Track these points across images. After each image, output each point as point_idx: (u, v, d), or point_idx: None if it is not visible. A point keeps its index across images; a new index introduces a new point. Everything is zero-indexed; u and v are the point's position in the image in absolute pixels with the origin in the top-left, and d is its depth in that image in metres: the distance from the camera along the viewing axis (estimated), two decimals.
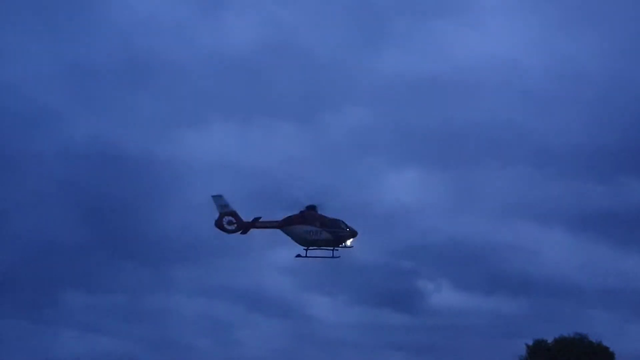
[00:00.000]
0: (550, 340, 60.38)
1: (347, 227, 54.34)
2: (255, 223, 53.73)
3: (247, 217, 52.76)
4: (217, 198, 54.04)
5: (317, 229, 53.92)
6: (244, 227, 53.78)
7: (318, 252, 54.22)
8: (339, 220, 54.34)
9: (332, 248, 54.15)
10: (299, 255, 54.55)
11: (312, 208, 54.37)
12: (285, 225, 54.26)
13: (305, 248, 54.38)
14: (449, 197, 75.63)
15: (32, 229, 69.84)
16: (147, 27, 79.82)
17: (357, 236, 54.24)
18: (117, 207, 69.91)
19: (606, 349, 59.46)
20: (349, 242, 54.56)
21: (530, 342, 60.76)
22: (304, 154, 75.46)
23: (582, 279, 72.06)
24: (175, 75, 77.66)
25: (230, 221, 53.68)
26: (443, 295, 72.29)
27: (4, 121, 72.67)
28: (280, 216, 53.26)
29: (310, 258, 53.84)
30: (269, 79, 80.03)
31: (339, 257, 54.12)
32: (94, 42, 77.08)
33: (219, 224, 53.76)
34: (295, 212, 54.05)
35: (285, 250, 72.50)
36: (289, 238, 54.27)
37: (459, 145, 76.36)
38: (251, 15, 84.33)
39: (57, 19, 76.97)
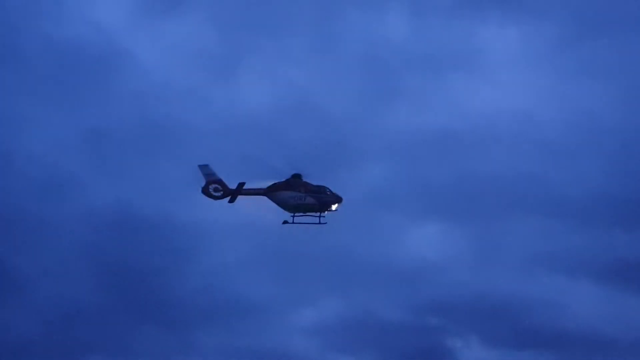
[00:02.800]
0: None
1: (332, 192, 56.73)
2: (241, 189, 56.27)
3: None
4: (204, 167, 56.93)
5: (301, 194, 56.16)
6: (230, 194, 56.43)
7: (305, 219, 56.52)
8: (323, 186, 56.82)
9: (318, 214, 56.40)
10: (285, 222, 56.70)
11: (297, 176, 56.66)
12: (270, 191, 56.67)
13: (292, 215, 56.57)
14: (472, 250, 75.30)
15: (54, 295, 70.11)
16: (163, 92, 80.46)
17: (342, 202, 56.82)
18: (138, 271, 69.86)
19: None
20: (334, 207, 56.91)
21: None
22: None
23: (611, 330, 71.12)
24: (192, 139, 77.89)
25: (217, 188, 56.57)
26: (472, 352, 71.39)
27: (24, 189, 72.86)
28: None
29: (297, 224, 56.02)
30: (283, 139, 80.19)
31: (325, 223, 56.51)
32: (111, 109, 77.75)
33: (205, 191, 56.52)
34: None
35: (310, 311, 72.50)
36: (275, 205, 56.58)
37: (479, 198, 76.05)
38: (264, 76, 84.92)
39: (75, 87, 77.91)
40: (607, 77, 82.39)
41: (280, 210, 57.01)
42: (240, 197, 56.80)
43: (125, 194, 73.36)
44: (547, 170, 78.55)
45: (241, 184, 56.47)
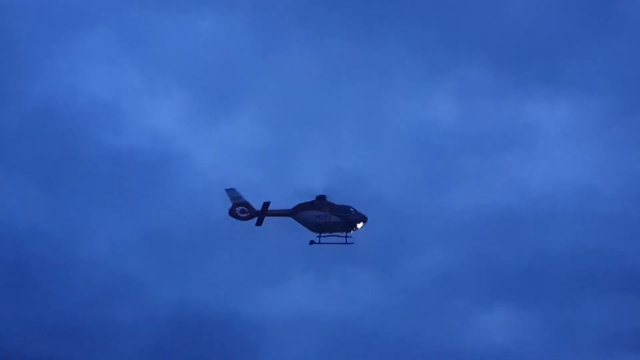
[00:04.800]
0: None
1: (356, 211, 57.99)
2: (267, 210, 57.77)
3: None
4: (230, 191, 59.19)
5: (326, 213, 57.53)
6: (256, 215, 58.16)
7: (331, 239, 57.83)
8: (348, 206, 58.03)
9: (344, 234, 57.55)
10: (312, 242, 58.24)
11: (322, 197, 57.93)
12: (295, 212, 57.99)
13: (318, 235, 57.82)
14: (546, 333, 72.82)
15: None
16: (218, 190, 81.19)
17: (367, 221, 58.09)
18: None
19: None
20: (359, 226, 58.18)
21: None
22: (386, 302, 74.51)
23: None
24: (251, 235, 78.00)
25: (243, 210, 58.48)
26: None
27: (89, 294, 73.09)
28: None
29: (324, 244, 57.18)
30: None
31: (352, 243, 57.72)
32: (169, 210, 78.51)
33: (232, 213, 58.52)
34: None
35: None
36: (301, 225, 58.01)
37: (548, 278, 74.34)
38: (317, 169, 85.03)
39: (134, 191, 79.06)
40: None
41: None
42: (267, 219, 58.50)
43: (187, 293, 73.41)
44: (614, 244, 76.60)
45: (266, 204, 57.93)
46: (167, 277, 74.72)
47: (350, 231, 57.97)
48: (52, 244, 74.36)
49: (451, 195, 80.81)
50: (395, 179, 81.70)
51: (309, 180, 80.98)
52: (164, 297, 73.36)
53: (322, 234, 58.14)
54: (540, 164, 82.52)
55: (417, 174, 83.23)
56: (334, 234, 57.93)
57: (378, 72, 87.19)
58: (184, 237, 75.92)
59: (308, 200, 58.27)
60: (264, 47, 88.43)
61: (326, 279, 76.82)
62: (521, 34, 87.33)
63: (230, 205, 58.65)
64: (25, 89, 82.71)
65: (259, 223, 58.71)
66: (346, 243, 58.00)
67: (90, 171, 79.28)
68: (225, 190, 59.00)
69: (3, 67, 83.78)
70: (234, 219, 58.55)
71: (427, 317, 72.44)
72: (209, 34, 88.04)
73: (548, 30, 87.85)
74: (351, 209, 58.17)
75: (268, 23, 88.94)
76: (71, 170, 79.35)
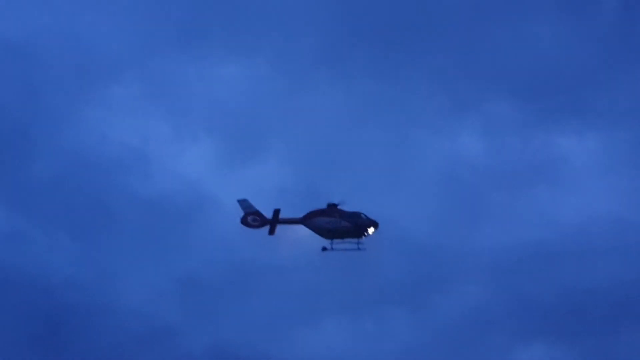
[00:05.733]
0: None
1: (367, 217, 58.75)
2: (278, 218, 58.99)
3: None
4: (242, 202, 60.61)
5: (337, 219, 58.41)
6: (267, 223, 59.51)
7: (343, 245, 58.63)
8: (358, 212, 58.91)
9: (356, 241, 58.21)
10: (324, 248, 59.01)
11: (332, 205, 58.97)
12: (306, 219, 59.04)
13: (330, 241, 58.53)
14: None
15: None
16: (248, 233, 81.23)
17: (378, 227, 58.74)
18: None
19: None
20: (370, 231, 58.78)
21: None
22: (421, 340, 73.65)
23: None
24: (282, 278, 77.95)
25: (255, 218, 60.02)
26: None
27: (125, 342, 72.91)
28: None
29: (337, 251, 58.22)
30: (373, 271, 79.46)
31: (365, 249, 58.49)
32: (199, 253, 78.58)
33: (244, 221, 60.23)
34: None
35: None
36: (312, 232, 58.93)
37: (585, 312, 72.94)
38: (347, 207, 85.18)
39: (165, 237, 79.31)
40: None
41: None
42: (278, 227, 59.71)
43: (222, 337, 73.08)
44: None
45: (277, 211, 59.25)
46: (201, 321, 74.65)
47: (361, 237, 58.85)
48: (87, 293, 74.89)
49: (482, 231, 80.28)
50: (425, 217, 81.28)
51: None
52: (199, 341, 73.27)
53: (333, 241, 59.16)
54: (571, 197, 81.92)
55: (447, 211, 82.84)
56: (346, 240, 59.02)
57: (404, 110, 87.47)
58: (216, 280, 76.05)
59: (319, 208, 59.63)
60: (288, 89, 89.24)
61: (359, 319, 76.49)
62: (546, 67, 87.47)
63: (242, 214, 60.48)
64: (56, 141, 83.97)
65: (271, 232, 60.19)
66: (358, 249, 58.90)
67: (122, 219, 79.87)
68: (238, 200, 60.78)
69: (35, 120, 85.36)
70: (245, 226, 60.44)
71: (463, 355, 71.49)
72: (233, 80, 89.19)
73: (574, 61, 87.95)
74: (362, 215, 59.14)
75: (291, 65, 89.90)
76: (103, 218, 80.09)
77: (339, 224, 58.38)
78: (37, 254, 77.43)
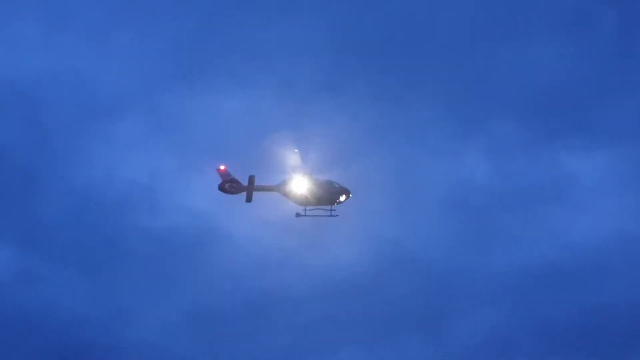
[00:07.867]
0: None
1: (339, 185, 63.63)
2: (254, 184, 63.16)
3: None
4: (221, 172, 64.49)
5: (310, 187, 62.67)
6: (243, 190, 63.59)
7: (316, 211, 63.34)
8: (331, 180, 63.61)
9: (329, 208, 63.15)
10: (298, 214, 63.67)
11: (305, 173, 63.09)
12: (281, 186, 63.33)
13: (304, 208, 63.12)
14: None
15: None
16: (260, 265, 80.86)
17: (350, 194, 63.63)
18: None
19: None
20: (342, 199, 63.56)
21: None
22: None
23: None
24: (296, 307, 77.23)
25: (231, 185, 64.18)
26: None
27: None
28: None
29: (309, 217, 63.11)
30: (384, 297, 78.77)
31: (337, 215, 63.28)
32: (210, 286, 78.33)
33: (222, 187, 64.59)
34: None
35: None
36: (287, 199, 63.17)
37: (602, 332, 72.36)
38: (356, 238, 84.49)
39: (173, 269, 79.03)
40: None
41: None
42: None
43: None
44: None
45: (252, 177, 63.37)
46: (214, 354, 74.21)
47: (333, 204, 63.41)
48: (100, 329, 74.65)
49: (494, 253, 79.63)
50: (434, 241, 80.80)
51: (345, 247, 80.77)
52: None
53: (307, 208, 63.45)
54: (583, 216, 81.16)
55: (456, 233, 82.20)
56: (319, 207, 63.43)
57: (408, 133, 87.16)
58: (229, 312, 75.68)
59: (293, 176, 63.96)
60: (291, 119, 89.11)
61: (375, 347, 75.64)
62: (552, 85, 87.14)
63: (220, 181, 64.72)
64: (64, 180, 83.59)
65: (248, 199, 64.19)
66: (331, 216, 63.42)
67: (131, 254, 79.50)
68: (216, 169, 65.23)
69: (41, 160, 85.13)
70: (223, 193, 64.52)
71: None
72: (237, 112, 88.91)
73: (579, 79, 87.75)
74: (335, 183, 63.63)
75: (294, 95, 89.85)
76: (113, 255, 79.78)
77: (312, 192, 62.61)
78: (48, 293, 77.10)
